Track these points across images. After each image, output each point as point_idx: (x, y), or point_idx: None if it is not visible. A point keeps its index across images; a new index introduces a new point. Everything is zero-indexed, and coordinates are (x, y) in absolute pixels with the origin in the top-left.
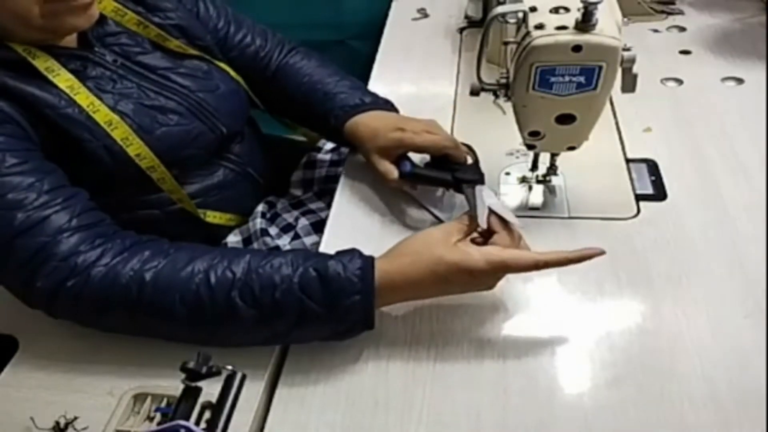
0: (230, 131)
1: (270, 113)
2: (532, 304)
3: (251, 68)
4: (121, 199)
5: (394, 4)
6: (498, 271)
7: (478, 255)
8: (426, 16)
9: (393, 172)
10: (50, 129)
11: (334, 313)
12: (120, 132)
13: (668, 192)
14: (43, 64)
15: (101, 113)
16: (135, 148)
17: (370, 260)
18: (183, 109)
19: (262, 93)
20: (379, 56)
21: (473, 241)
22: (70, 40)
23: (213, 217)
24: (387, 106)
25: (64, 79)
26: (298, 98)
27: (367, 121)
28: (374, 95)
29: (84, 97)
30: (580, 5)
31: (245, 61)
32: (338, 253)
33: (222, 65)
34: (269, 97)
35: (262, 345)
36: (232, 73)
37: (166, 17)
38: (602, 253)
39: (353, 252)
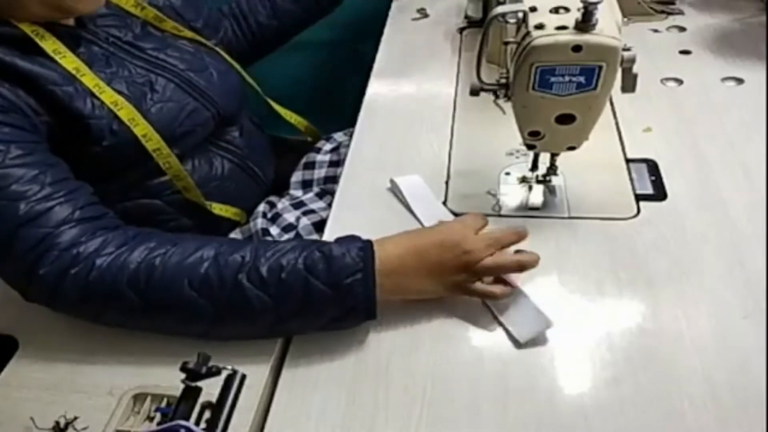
0: (225, 112)
1: (281, 41)
2: None
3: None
4: (122, 186)
5: (394, 4)
6: (466, 226)
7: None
8: (426, 16)
9: None
10: (54, 108)
11: (338, 292)
12: (126, 112)
13: (668, 192)
14: (51, 46)
15: (107, 94)
16: (141, 128)
17: (369, 242)
18: (173, 86)
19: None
20: (379, 56)
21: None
22: (68, 18)
23: (219, 209)
24: None
25: (70, 61)
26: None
27: None
28: None
29: (90, 79)
30: (580, 5)
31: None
32: (340, 238)
33: (216, 48)
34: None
35: (267, 336)
36: (225, 55)
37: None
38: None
39: (354, 236)
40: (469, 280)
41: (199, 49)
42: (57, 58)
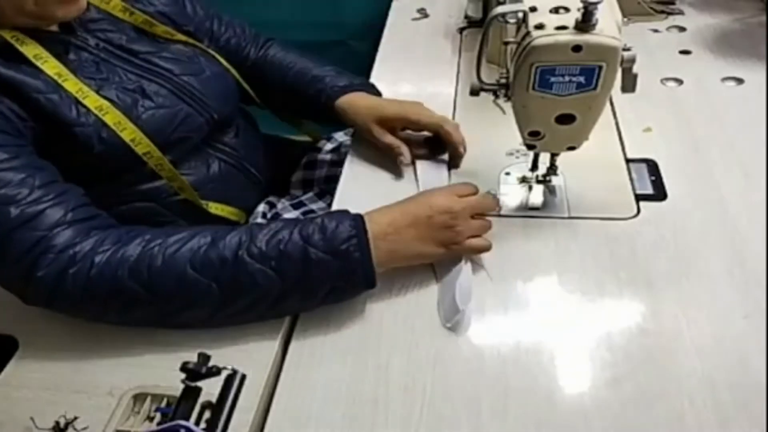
0: (220, 116)
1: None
2: (532, 304)
3: (232, 62)
4: (116, 190)
5: (394, 4)
6: (454, 191)
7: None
8: (426, 16)
9: (399, 143)
10: (39, 117)
11: (336, 258)
12: (112, 117)
13: (668, 192)
14: (32, 51)
15: (91, 99)
16: (129, 132)
17: (359, 214)
18: (166, 92)
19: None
20: (379, 56)
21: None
22: (51, 25)
23: (215, 208)
24: (374, 89)
25: (51, 66)
26: (285, 85)
27: (360, 98)
28: (361, 79)
29: (73, 84)
30: (580, 5)
31: (228, 55)
32: (329, 212)
33: (210, 51)
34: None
35: (271, 314)
36: (220, 58)
37: (150, 4)
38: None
39: (343, 211)
40: (456, 239)
41: (195, 51)
42: (38, 63)
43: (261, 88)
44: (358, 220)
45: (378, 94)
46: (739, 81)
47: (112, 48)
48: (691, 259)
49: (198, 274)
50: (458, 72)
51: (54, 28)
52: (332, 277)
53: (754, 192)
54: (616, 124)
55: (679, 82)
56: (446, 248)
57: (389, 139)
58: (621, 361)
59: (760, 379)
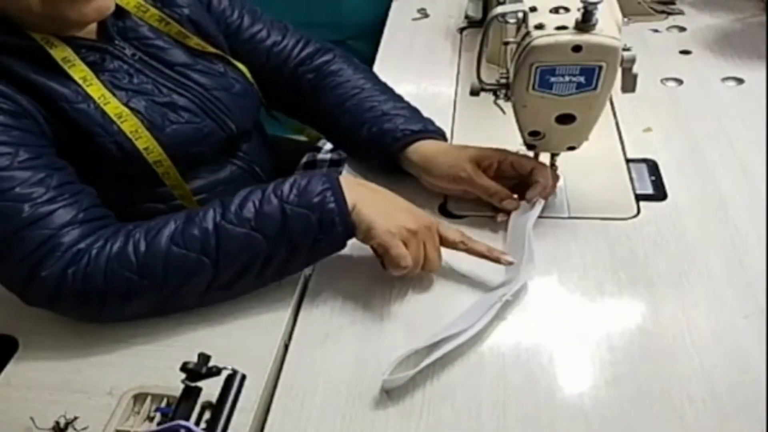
0: (240, 130)
1: (271, 109)
2: (532, 304)
3: (265, 64)
4: (127, 193)
5: (394, 4)
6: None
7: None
8: (426, 16)
9: (502, 188)
10: (64, 123)
11: (312, 210)
12: (129, 125)
13: (668, 192)
14: (61, 54)
15: (112, 105)
16: (143, 141)
17: (331, 172)
18: (194, 107)
19: (274, 90)
20: (379, 56)
21: None
22: (90, 32)
23: None
24: (444, 138)
25: (78, 70)
26: (343, 109)
27: (435, 145)
28: (433, 122)
29: (96, 89)
30: (580, 5)
31: (258, 55)
32: (300, 174)
33: (238, 65)
34: (282, 96)
35: (265, 279)
36: (247, 73)
37: (181, 11)
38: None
39: (314, 173)
40: (410, 240)
41: (226, 66)
42: (66, 66)
43: (295, 100)
44: (330, 174)
45: (445, 140)
46: (739, 81)
47: (148, 58)
48: (691, 259)
49: (184, 250)
50: (458, 72)
51: (91, 35)
52: (312, 229)
53: (754, 192)
54: (616, 124)
55: (679, 82)
56: (392, 239)
57: (486, 182)
58: (621, 361)
59: (760, 379)
